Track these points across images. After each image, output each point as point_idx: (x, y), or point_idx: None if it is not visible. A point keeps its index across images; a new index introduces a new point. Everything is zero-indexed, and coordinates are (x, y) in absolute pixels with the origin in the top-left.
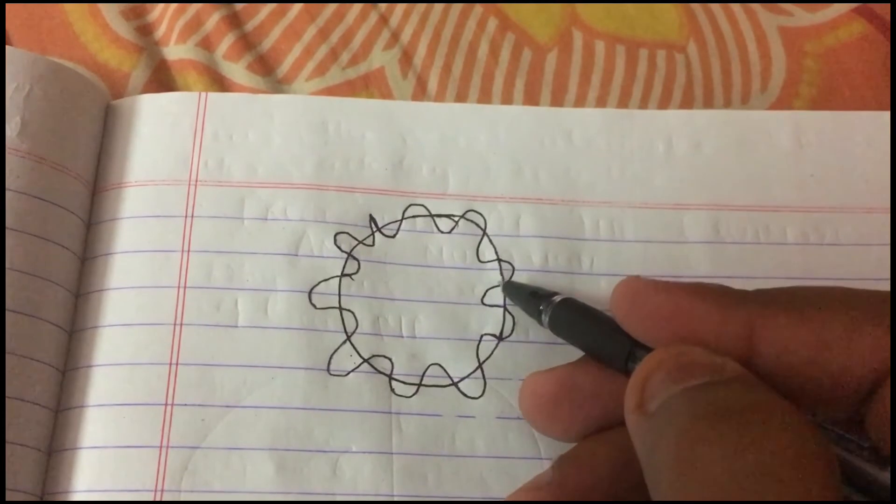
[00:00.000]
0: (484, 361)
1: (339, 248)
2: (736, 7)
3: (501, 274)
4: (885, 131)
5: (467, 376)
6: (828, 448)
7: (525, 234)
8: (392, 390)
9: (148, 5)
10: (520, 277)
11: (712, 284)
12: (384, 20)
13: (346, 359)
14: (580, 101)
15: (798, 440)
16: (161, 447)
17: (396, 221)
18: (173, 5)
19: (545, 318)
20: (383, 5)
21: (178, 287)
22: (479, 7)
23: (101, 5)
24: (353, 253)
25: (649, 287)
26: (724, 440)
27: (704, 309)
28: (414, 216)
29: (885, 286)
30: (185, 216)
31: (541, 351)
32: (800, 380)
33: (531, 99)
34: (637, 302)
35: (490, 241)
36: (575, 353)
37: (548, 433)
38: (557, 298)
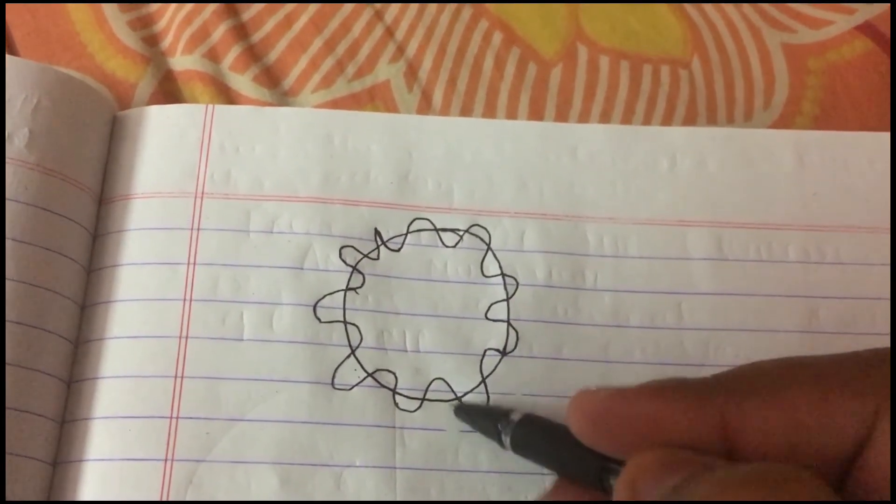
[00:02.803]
0: (487, 376)
1: (344, 261)
2: (740, 24)
3: (506, 288)
4: (887, 152)
5: (471, 391)
6: None
7: (529, 250)
8: (396, 405)
9: (155, 15)
10: (524, 293)
11: (671, 381)
12: (390, 33)
13: (350, 373)
14: (584, 116)
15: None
16: (166, 460)
17: (401, 235)
18: (180, 16)
19: (506, 440)
20: (389, 18)
21: (184, 300)
22: (484, 21)
23: (108, 15)
24: (358, 267)
25: (606, 401)
26: None
27: (672, 412)
28: (419, 230)
29: (886, 306)
30: (191, 229)
31: (545, 366)
32: (780, 461)
33: (536, 113)
34: (597, 420)
35: (494, 255)
36: None
37: None
38: (515, 416)
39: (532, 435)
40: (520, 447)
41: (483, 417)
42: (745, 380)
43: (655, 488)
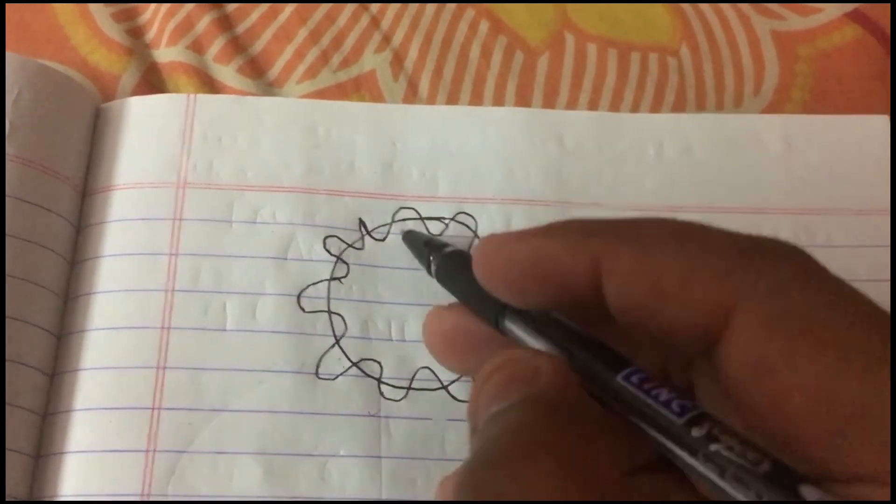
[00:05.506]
0: None
1: (328, 251)
2: (729, 11)
3: None
4: (874, 134)
5: (457, 379)
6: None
7: None
8: (381, 394)
9: (139, 7)
10: None
11: (565, 221)
12: (375, 23)
13: (334, 362)
14: (572, 104)
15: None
16: (148, 451)
17: (386, 225)
18: (164, 8)
19: (433, 269)
20: (374, 8)
21: (166, 290)
22: (470, 10)
23: (92, 8)
24: (343, 256)
25: (504, 239)
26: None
27: (554, 248)
28: (404, 219)
29: (879, 288)
30: (174, 219)
31: None
32: (638, 322)
33: (523, 101)
34: (495, 258)
35: None
36: None
37: (446, 367)
38: (448, 250)
39: (453, 268)
40: (441, 278)
41: (423, 246)
42: (627, 229)
43: (485, 411)
